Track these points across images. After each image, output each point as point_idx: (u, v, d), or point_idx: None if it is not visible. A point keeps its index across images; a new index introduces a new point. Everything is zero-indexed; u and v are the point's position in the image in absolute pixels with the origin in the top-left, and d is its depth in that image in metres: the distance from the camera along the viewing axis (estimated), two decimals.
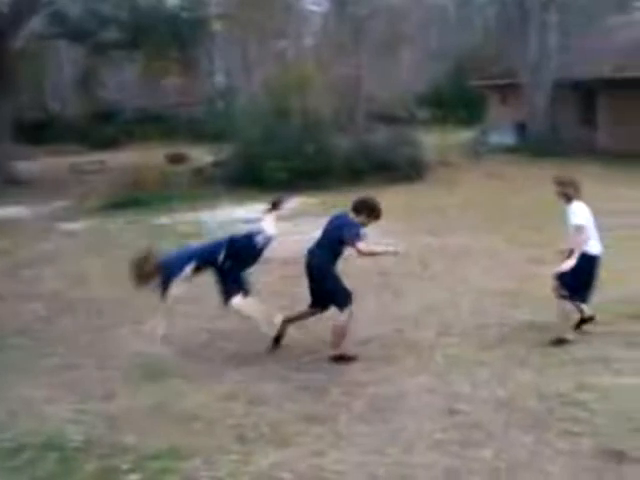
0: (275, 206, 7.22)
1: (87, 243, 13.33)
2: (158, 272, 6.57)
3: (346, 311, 6.71)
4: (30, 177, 24.33)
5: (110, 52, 30.67)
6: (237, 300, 6.77)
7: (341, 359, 6.74)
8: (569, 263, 6.75)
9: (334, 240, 6.76)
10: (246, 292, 6.89)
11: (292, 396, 6.01)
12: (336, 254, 6.82)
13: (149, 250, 6.83)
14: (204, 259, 6.78)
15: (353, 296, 6.83)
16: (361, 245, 6.64)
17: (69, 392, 6.30)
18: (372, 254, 6.99)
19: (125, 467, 4.90)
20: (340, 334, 6.76)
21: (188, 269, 6.63)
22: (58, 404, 6.06)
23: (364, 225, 6.86)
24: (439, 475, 4.65)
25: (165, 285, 6.56)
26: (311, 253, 6.89)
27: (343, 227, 6.73)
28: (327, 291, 6.82)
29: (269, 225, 7.03)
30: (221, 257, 6.74)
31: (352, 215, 6.84)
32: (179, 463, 4.94)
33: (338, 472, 4.74)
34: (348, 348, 6.84)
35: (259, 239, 6.87)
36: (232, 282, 6.82)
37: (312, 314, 7.15)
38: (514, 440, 5.05)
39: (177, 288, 6.59)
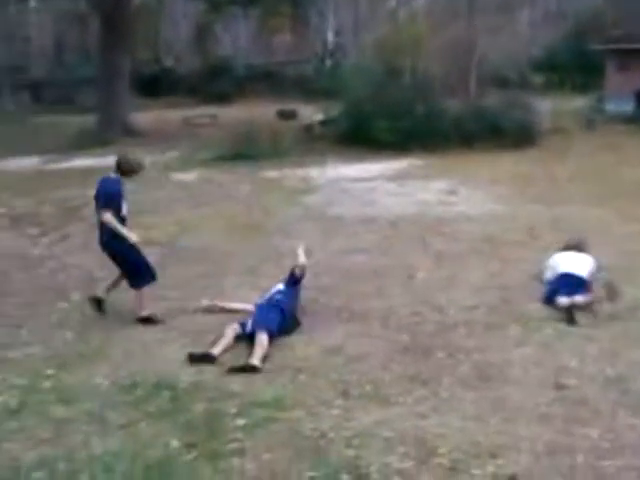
0: None
1: (199, 193, 13.67)
2: None
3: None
4: (145, 128, 25.06)
5: (225, 8, 30.97)
6: None
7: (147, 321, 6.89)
8: None
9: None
10: None
11: (395, 356, 6.04)
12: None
13: None
14: None
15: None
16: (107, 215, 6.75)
17: (180, 336, 6.55)
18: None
19: (232, 411, 5.07)
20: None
21: None
22: (170, 347, 6.32)
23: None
24: (541, 449, 4.58)
25: None
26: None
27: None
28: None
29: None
30: None
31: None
32: (283, 413, 5.07)
33: (439, 435, 4.74)
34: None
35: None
36: None
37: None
38: (622, 421, 4.92)
39: None
